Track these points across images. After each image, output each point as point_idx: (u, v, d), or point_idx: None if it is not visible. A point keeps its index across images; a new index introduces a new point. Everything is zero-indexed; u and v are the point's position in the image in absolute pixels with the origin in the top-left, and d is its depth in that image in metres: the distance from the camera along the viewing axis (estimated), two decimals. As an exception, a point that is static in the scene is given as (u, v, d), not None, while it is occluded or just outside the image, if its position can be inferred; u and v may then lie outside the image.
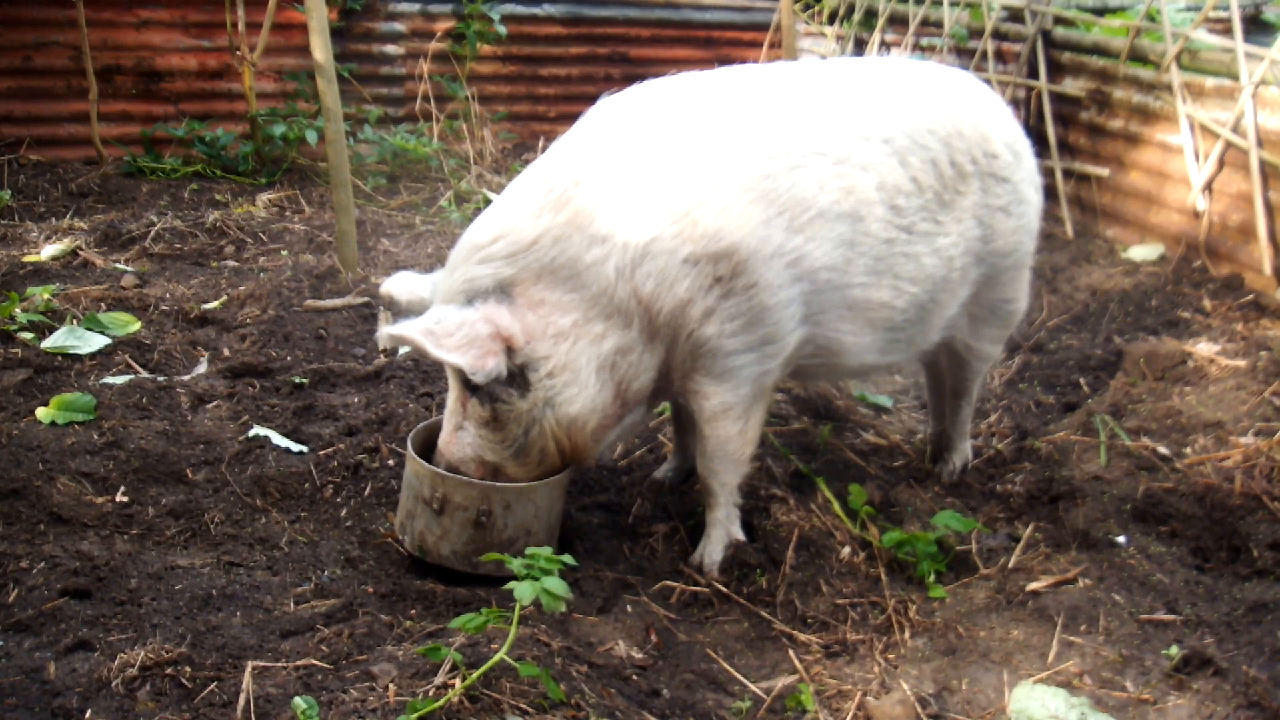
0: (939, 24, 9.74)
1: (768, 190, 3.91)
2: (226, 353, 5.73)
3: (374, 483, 4.56)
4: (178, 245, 7.29)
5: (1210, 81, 7.08)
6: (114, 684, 3.27)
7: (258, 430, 4.87)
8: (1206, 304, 6.49)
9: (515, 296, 3.87)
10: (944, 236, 4.27)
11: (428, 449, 4.17)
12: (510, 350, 3.85)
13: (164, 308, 6.14)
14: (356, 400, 5.23)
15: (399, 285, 4.26)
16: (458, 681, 3.22)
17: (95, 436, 4.68)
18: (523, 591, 3.24)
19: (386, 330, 3.81)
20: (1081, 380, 5.92)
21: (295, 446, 4.79)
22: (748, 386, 4.10)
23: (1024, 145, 4.56)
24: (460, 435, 4.03)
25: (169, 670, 3.33)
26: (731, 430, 4.16)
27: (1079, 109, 8.31)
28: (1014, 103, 8.67)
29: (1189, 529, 4.53)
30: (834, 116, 4.12)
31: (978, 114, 4.40)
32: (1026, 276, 4.72)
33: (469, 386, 3.92)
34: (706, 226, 3.83)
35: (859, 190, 4.05)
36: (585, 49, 10.72)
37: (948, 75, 4.54)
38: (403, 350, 5.77)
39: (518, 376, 3.88)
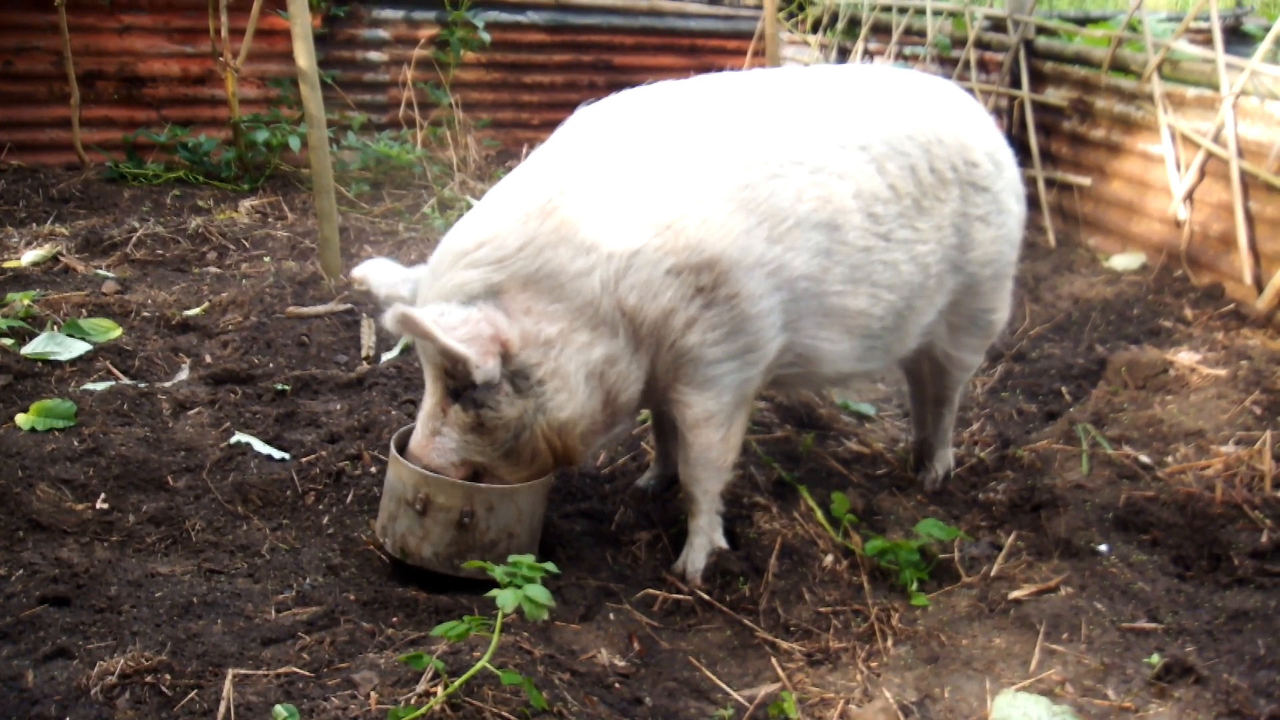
0: (922, 33, 9.76)
1: (748, 200, 3.91)
2: (208, 359, 5.72)
3: (356, 490, 4.55)
4: (159, 251, 7.27)
5: (1191, 92, 7.11)
6: (93, 692, 3.25)
7: (239, 437, 4.86)
8: (1188, 313, 6.50)
9: (505, 303, 3.87)
10: (922, 244, 4.27)
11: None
12: (505, 355, 3.84)
13: (145, 314, 6.12)
14: (339, 407, 5.22)
15: (376, 272, 4.19)
16: (440, 689, 3.21)
17: (75, 443, 4.66)
18: (505, 599, 3.23)
19: (398, 309, 3.72)
20: (1063, 389, 5.93)
21: (277, 453, 4.77)
22: (730, 394, 4.10)
23: (1005, 155, 4.56)
24: (440, 441, 4.01)
25: (149, 678, 3.31)
26: (714, 437, 4.16)
27: (1061, 118, 8.34)
28: (996, 112, 8.69)
29: (1170, 537, 4.53)
30: (811, 124, 4.12)
31: (958, 122, 4.40)
32: (1008, 286, 4.73)
33: (452, 393, 3.91)
34: (689, 238, 3.84)
35: (836, 198, 4.05)
36: (569, 56, 10.73)
37: (928, 83, 4.55)
38: (386, 356, 5.77)
39: (507, 382, 3.87)
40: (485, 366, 3.78)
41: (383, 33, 10.01)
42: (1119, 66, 7.84)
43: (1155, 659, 3.85)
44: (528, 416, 3.92)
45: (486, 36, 10.02)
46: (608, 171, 3.90)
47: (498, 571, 3.32)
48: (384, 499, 4.17)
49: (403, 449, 4.16)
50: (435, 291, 3.91)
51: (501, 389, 3.87)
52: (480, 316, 3.81)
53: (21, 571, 3.87)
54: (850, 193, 4.08)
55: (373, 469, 4.65)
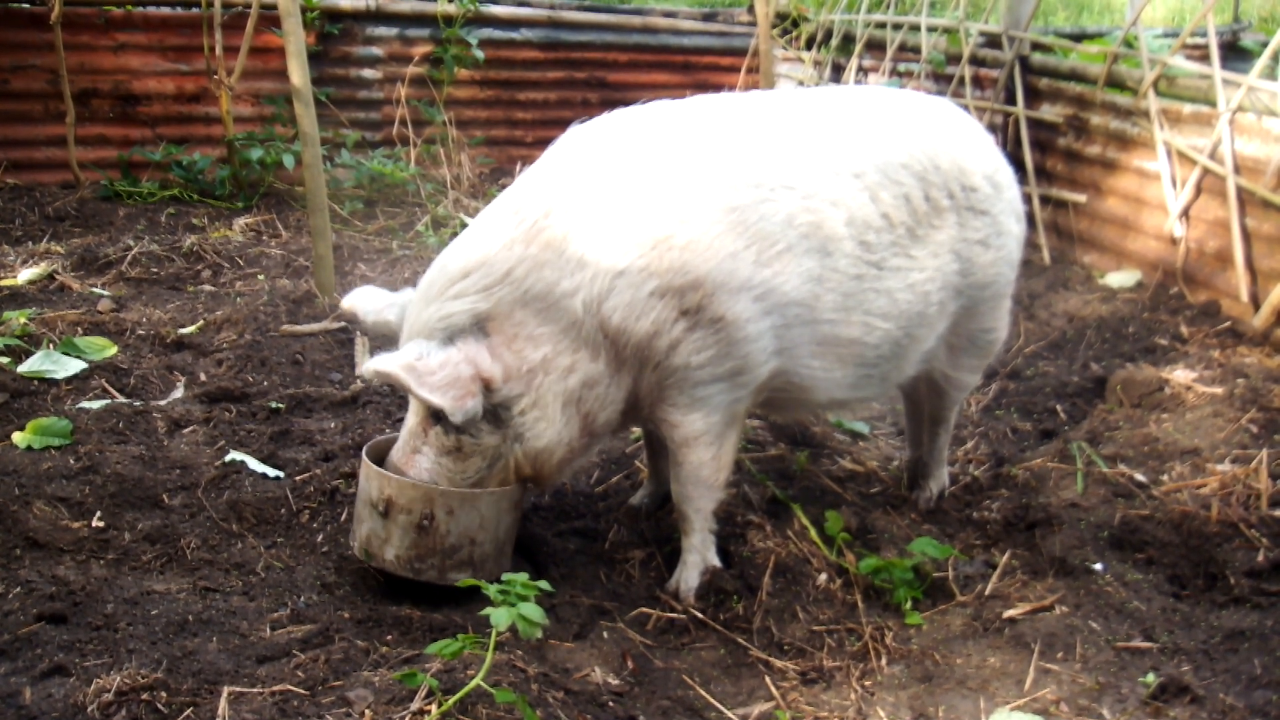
0: (917, 49, 9.76)
1: (736, 223, 3.91)
2: (203, 377, 5.72)
3: (350, 508, 4.54)
4: (154, 269, 7.27)
5: (1188, 108, 7.11)
6: (90, 709, 3.26)
7: (234, 455, 4.86)
8: (1184, 331, 6.50)
9: (491, 333, 3.88)
10: (918, 271, 4.26)
11: (383, 461, 4.17)
12: (488, 390, 3.86)
13: (140, 332, 6.12)
14: (333, 425, 5.23)
15: (363, 301, 4.25)
16: (434, 708, 3.22)
17: (71, 461, 4.66)
18: (499, 617, 3.23)
19: (370, 365, 3.82)
20: (1059, 407, 5.94)
21: (272, 472, 4.78)
22: (719, 414, 4.10)
23: (1005, 176, 4.53)
24: (418, 459, 4.03)
25: (145, 696, 3.31)
26: (705, 456, 4.16)
27: (1056, 135, 8.34)
28: (991, 128, 8.65)
29: (1166, 556, 4.53)
30: (805, 149, 4.11)
31: (956, 146, 4.38)
32: (1007, 306, 4.72)
33: (435, 415, 3.93)
34: (673, 260, 3.84)
35: (828, 225, 4.04)
36: (563, 73, 10.72)
37: (928, 106, 4.52)
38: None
39: (489, 414, 3.89)
40: (462, 410, 3.81)
41: (377, 50, 10.01)
42: (1115, 83, 7.84)
43: (1150, 678, 3.85)
44: (505, 446, 3.97)
45: (480, 54, 10.01)
46: (596, 190, 3.91)
47: (491, 590, 3.33)
48: (356, 503, 4.18)
49: (377, 457, 4.17)
50: (421, 322, 3.94)
51: (483, 419, 3.89)
52: (460, 357, 3.83)
53: (18, 589, 3.87)
54: (842, 220, 4.07)
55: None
